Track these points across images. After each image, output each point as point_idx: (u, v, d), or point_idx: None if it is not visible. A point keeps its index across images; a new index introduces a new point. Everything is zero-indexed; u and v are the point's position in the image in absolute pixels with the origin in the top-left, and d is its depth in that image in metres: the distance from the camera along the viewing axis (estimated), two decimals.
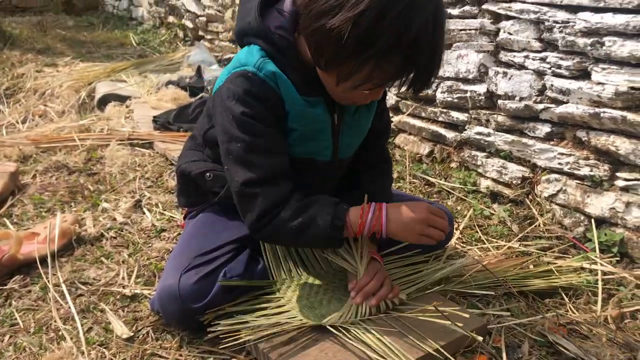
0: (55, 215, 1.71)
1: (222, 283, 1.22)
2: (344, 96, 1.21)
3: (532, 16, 1.81)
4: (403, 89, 1.16)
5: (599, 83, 1.65)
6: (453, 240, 1.68)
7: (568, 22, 1.71)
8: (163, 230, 1.74)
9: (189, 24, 5.00)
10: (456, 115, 2.18)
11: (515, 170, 1.94)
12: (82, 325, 1.29)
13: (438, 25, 1.07)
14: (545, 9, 1.78)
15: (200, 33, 4.88)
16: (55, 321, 1.31)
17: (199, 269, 1.23)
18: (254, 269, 1.30)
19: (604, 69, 1.63)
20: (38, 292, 1.42)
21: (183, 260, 1.26)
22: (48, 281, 1.44)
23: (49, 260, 1.51)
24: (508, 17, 1.92)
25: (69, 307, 1.35)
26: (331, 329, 1.18)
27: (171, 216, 1.83)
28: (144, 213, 1.86)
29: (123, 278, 1.48)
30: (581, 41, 1.67)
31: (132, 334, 1.27)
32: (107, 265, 1.55)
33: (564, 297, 1.43)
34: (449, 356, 1.14)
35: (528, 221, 1.82)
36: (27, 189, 2.02)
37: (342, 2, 1.03)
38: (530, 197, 1.90)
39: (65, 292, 1.41)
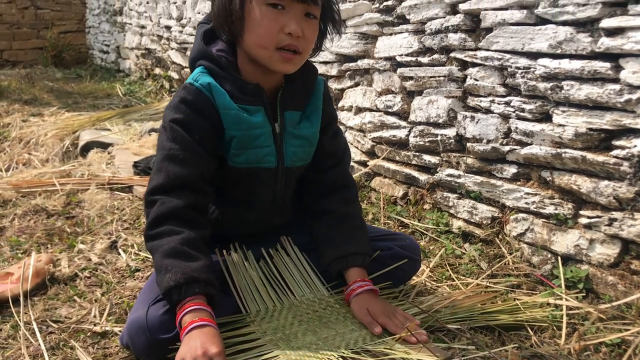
0: (30, 256, 1.72)
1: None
2: (267, 40, 1.27)
3: (496, 63, 1.90)
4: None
5: (560, 125, 1.72)
6: (423, 278, 1.71)
7: (529, 68, 1.79)
8: (137, 270, 1.76)
9: (175, 75, 5.11)
10: (428, 158, 2.24)
11: (485, 211, 1.99)
12: None
13: None
14: (508, 55, 1.87)
15: None
16: (24, 358, 1.31)
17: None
18: (222, 303, 1.32)
19: (564, 111, 1.71)
20: (9, 331, 1.43)
21: (152, 294, 1.28)
22: (19, 319, 1.45)
23: (21, 299, 1.52)
24: (474, 64, 2.01)
25: (39, 345, 1.36)
26: None
27: (146, 256, 1.85)
28: (119, 254, 1.88)
29: (95, 316, 1.49)
30: (542, 85, 1.75)
31: None
32: (79, 303, 1.56)
33: (529, 331, 1.46)
34: None
35: (497, 259, 1.85)
36: (4, 232, 2.04)
37: None
38: (500, 236, 1.94)
39: (36, 329, 1.41)
